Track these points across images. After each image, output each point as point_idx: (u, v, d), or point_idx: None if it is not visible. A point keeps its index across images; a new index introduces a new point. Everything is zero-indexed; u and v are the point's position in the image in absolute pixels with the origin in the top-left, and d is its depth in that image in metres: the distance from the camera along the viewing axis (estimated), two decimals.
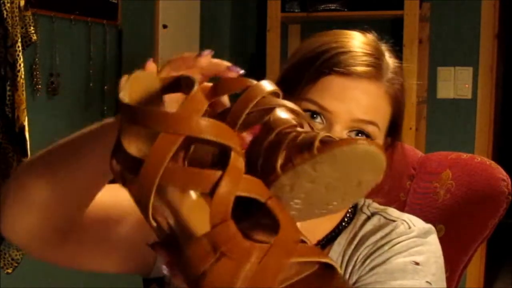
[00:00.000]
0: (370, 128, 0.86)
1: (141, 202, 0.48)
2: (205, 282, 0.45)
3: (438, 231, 0.94)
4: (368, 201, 0.99)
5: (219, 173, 0.47)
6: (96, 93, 2.57)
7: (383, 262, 0.86)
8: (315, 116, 0.85)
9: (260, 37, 3.43)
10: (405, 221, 0.92)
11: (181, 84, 0.56)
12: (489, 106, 3.16)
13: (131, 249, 0.85)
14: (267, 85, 0.55)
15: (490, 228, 1.12)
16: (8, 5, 1.95)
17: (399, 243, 0.88)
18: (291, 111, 0.58)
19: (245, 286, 0.45)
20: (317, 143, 0.53)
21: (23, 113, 2.01)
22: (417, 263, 0.85)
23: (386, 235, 0.90)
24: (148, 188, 0.46)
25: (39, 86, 2.23)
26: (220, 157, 0.49)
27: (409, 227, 0.90)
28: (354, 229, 0.94)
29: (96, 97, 2.56)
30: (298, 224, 0.52)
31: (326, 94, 0.84)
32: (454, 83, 3.21)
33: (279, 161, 0.54)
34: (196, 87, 0.49)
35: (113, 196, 0.82)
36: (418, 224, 0.91)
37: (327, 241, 0.93)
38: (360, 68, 0.85)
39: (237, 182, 0.47)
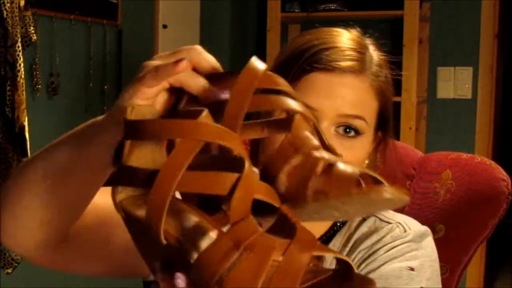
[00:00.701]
0: (357, 123, 0.85)
1: (153, 216, 0.47)
2: (229, 279, 0.45)
3: (438, 231, 0.94)
4: None
5: (236, 175, 0.47)
6: (96, 93, 2.57)
7: (378, 267, 0.86)
8: None
9: (260, 37, 3.43)
10: (400, 224, 0.91)
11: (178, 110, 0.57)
12: (489, 106, 3.16)
13: (128, 252, 0.84)
14: (259, 67, 0.54)
15: (490, 228, 1.12)
16: (8, 5, 1.96)
17: (394, 247, 0.87)
18: (305, 117, 0.58)
19: (270, 280, 0.45)
20: (355, 182, 0.53)
21: (23, 113, 2.01)
22: (411, 269, 0.85)
23: (381, 238, 0.90)
24: (162, 199, 0.46)
25: (39, 86, 2.24)
26: (222, 162, 0.50)
27: (405, 231, 0.90)
28: (349, 231, 0.94)
29: (96, 97, 2.56)
30: None
31: (311, 92, 0.84)
32: (454, 83, 3.21)
33: (310, 189, 0.54)
34: (205, 112, 0.50)
35: (108, 200, 0.82)
36: (413, 227, 0.91)
37: (322, 243, 0.93)
38: (343, 63, 0.85)
39: (254, 185, 0.48)
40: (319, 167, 0.54)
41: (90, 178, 0.70)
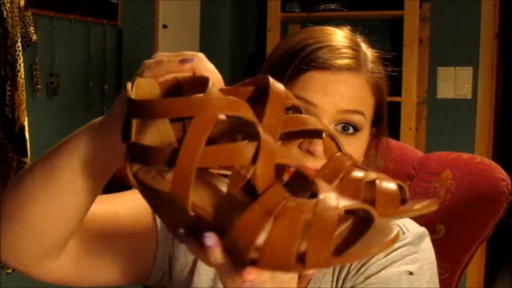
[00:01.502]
0: (356, 118, 0.86)
1: (180, 191, 0.48)
2: (266, 245, 0.46)
3: (438, 231, 0.93)
4: None
5: (255, 144, 0.48)
6: (96, 93, 2.57)
7: (378, 271, 0.85)
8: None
9: (260, 37, 3.43)
10: (398, 225, 0.91)
11: (181, 88, 0.58)
12: (489, 106, 3.16)
13: (128, 258, 0.84)
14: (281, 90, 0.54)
15: (490, 228, 1.12)
16: (8, 5, 1.96)
17: (394, 250, 0.87)
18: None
19: (307, 238, 0.46)
20: (399, 200, 0.55)
21: (23, 113, 2.01)
22: (411, 273, 0.85)
23: None
24: (187, 174, 0.47)
25: (39, 86, 2.24)
26: (236, 131, 0.51)
27: (403, 233, 0.89)
28: None
29: (96, 97, 2.56)
30: None
31: (309, 89, 0.85)
32: (454, 83, 3.21)
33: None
34: (211, 82, 0.51)
35: (105, 208, 0.82)
36: (411, 228, 0.91)
37: None
38: (339, 61, 0.86)
39: (274, 150, 0.49)
40: (362, 187, 0.54)
41: (85, 188, 0.69)
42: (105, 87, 2.61)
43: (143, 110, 0.52)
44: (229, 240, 0.48)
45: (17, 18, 2.00)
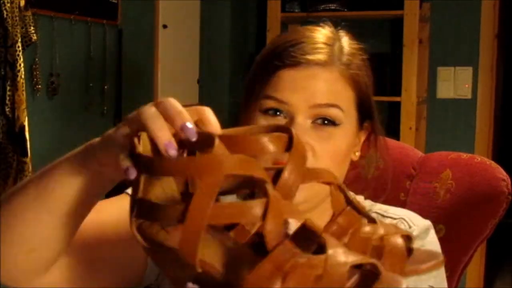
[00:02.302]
0: (332, 112, 0.86)
1: (188, 248, 0.48)
2: None
3: (438, 231, 0.94)
4: (360, 198, 0.98)
5: (263, 201, 0.49)
6: (96, 93, 2.57)
7: None
8: (278, 113, 0.87)
9: (260, 37, 3.43)
10: (404, 219, 0.92)
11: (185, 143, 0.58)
12: (489, 106, 3.16)
13: (118, 267, 0.84)
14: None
15: (490, 228, 1.12)
16: (8, 5, 1.96)
17: None
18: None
19: None
20: (406, 258, 0.55)
21: (23, 113, 2.01)
22: None
23: None
24: (197, 231, 0.48)
25: (39, 86, 2.24)
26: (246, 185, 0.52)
27: (410, 227, 0.90)
28: None
29: (96, 97, 2.56)
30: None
31: (281, 87, 0.86)
32: (454, 83, 3.21)
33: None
34: (217, 140, 0.52)
35: (93, 218, 0.81)
36: (416, 221, 0.92)
37: None
38: (308, 57, 0.86)
39: (282, 207, 0.49)
40: (370, 244, 0.55)
41: (76, 210, 0.70)
42: (105, 87, 2.61)
43: (151, 168, 0.53)
44: None
45: (17, 18, 2.00)
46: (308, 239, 0.50)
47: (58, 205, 0.69)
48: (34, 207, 0.70)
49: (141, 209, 0.54)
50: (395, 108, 3.07)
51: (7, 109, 1.99)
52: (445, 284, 0.90)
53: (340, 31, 0.95)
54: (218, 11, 3.34)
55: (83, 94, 2.51)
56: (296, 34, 0.91)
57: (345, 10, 3.13)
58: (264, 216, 0.49)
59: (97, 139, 0.67)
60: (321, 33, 0.91)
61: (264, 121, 0.87)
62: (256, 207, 0.49)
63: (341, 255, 0.48)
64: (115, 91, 2.67)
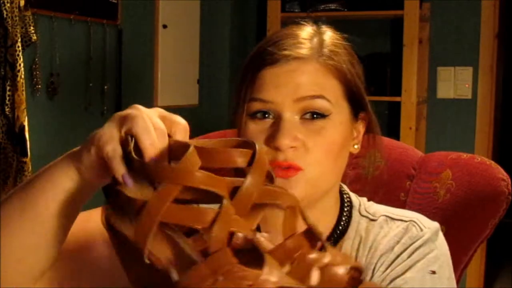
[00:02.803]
0: (318, 103, 0.86)
1: (140, 238, 0.54)
2: None
3: None
4: (363, 200, 0.98)
5: (216, 210, 0.55)
6: (96, 93, 2.57)
7: (403, 273, 0.86)
8: (266, 115, 0.87)
9: (260, 37, 3.43)
10: (415, 222, 0.91)
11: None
12: (489, 106, 3.16)
13: (107, 273, 0.84)
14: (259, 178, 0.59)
15: (490, 228, 1.12)
16: (8, 5, 1.96)
17: (416, 250, 0.88)
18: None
19: None
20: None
21: (23, 113, 2.01)
22: (433, 272, 0.86)
23: (400, 240, 0.89)
24: (149, 224, 0.54)
25: (39, 86, 2.24)
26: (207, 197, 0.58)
27: (421, 229, 0.90)
28: (357, 234, 0.93)
29: (96, 97, 2.56)
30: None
31: (263, 87, 0.86)
32: (454, 83, 3.21)
33: None
34: (191, 148, 0.58)
35: (81, 226, 0.81)
36: (427, 224, 0.91)
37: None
38: (286, 52, 0.87)
39: (230, 220, 0.55)
40: (311, 271, 0.57)
41: (61, 216, 0.72)
42: (105, 87, 2.61)
43: (135, 169, 0.60)
44: None
45: (17, 18, 2.00)
46: (253, 255, 0.54)
47: (40, 212, 0.71)
48: (19, 216, 0.72)
49: (115, 201, 0.60)
50: (395, 108, 3.07)
51: (7, 109, 1.99)
52: (454, 283, 0.90)
53: (323, 27, 0.95)
54: (218, 11, 3.34)
55: (83, 94, 2.51)
56: (276, 34, 0.92)
57: (345, 10, 3.13)
58: (212, 224, 0.54)
59: (78, 148, 0.70)
60: (301, 30, 0.92)
61: (253, 125, 0.87)
62: (208, 215, 0.54)
63: (274, 275, 0.52)
64: (115, 91, 2.67)
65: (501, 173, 1.13)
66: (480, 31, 3.14)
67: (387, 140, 1.16)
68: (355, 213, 0.95)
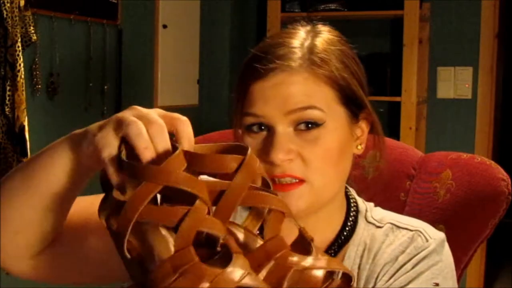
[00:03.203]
0: (310, 114, 0.85)
1: (120, 234, 0.58)
2: None
3: None
4: (369, 205, 0.98)
5: (184, 210, 0.57)
6: (96, 93, 2.57)
7: (406, 284, 0.86)
8: (262, 127, 0.87)
9: (260, 37, 3.43)
10: (420, 232, 0.90)
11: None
12: (489, 106, 3.16)
13: (105, 258, 0.85)
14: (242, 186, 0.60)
15: (490, 228, 1.12)
16: (8, 5, 1.96)
17: (420, 261, 0.87)
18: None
19: None
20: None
21: (23, 113, 2.01)
22: (437, 284, 0.86)
23: (405, 250, 0.89)
24: (127, 222, 0.57)
25: (39, 86, 2.24)
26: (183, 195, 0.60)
27: (426, 240, 0.89)
28: (362, 240, 0.92)
29: (96, 97, 2.56)
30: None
31: (254, 102, 0.86)
32: (454, 83, 3.21)
33: None
34: (179, 151, 0.60)
35: (81, 210, 0.84)
36: (432, 234, 0.90)
37: (333, 254, 0.92)
38: (272, 65, 0.85)
39: (200, 219, 0.57)
40: (289, 274, 0.59)
41: (61, 194, 0.74)
42: (105, 87, 2.61)
43: (127, 170, 0.63)
44: (146, 286, 0.57)
45: (17, 18, 2.00)
46: (227, 257, 0.57)
47: (40, 189, 0.74)
48: (19, 190, 0.75)
49: (110, 197, 0.64)
50: (395, 108, 3.07)
51: (7, 109, 1.99)
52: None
53: (319, 26, 0.93)
54: (218, 11, 3.34)
55: (83, 94, 2.51)
56: (264, 44, 0.90)
57: (345, 10, 3.13)
58: (179, 223, 0.57)
59: (80, 131, 0.73)
60: (291, 37, 0.90)
61: (249, 139, 0.87)
62: (177, 214, 0.57)
63: (235, 275, 0.54)
64: (115, 91, 2.67)
65: (501, 173, 1.13)
66: (480, 31, 3.14)
67: (387, 140, 1.16)
68: (361, 220, 0.95)
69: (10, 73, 1.99)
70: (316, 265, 0.59)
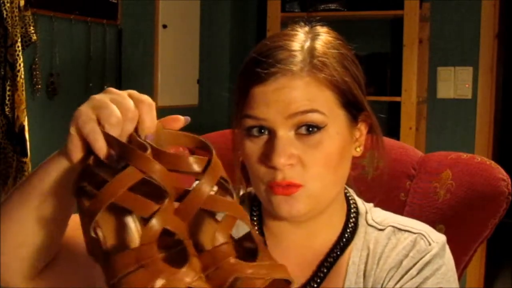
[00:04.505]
0: (311, 117, 0.85)
1: (92, 211, 0.60)
2: (123, 283, 0.57)
3: (438, 231, 0.93)
4: (369, 206, 0.98)
5: (157, 206, 0.60)
6: (96, 93, 2.55)
7: None
8: (262, 131, 0.86)
9: (260, 37, 3.43)
10: (423, 235, 0.90)
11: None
12: (489, 106, 3.16)
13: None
14: (208, 188, 0.63)
15: (490, 228, 1.12)
16: (8, 5, 1.96)
17: (425, 265, 0.87)
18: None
19: None
20: None
21: (23, 113, 2.01)
22: None
23: (408, 253, 0.89)
24: (104, 200, 0.59)
25: (39, 86, 2.24)
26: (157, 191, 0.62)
27: (429, 243, 0.89)
28: (365, 245, 0.92)
29: None
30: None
31: (255, 105, 0.86)
32: (454, 83, 3.21)
33: None
34: (148, 151, 0.62)
35: (78, 225, 0.83)
36: (435, 238, 0.90)
37: (336, 257, 0.92)
38: (273, 69, 0.85)
39: (168, 219, 0.60)
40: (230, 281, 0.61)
41: (56, 207, 0.75)
42: (105, 87, 2.60)
43: (116, 148, 0.65)
44: (103, 268, 0.61)
45: (17, 18, 2.00)
46: (179, 250, 0.61)
47: (36, 198, 0.74)
48: (18, 203, 0.75)
49: (86, 176, 0.67)
50: (395, 108, 3.07)
51: (7, 109, 1.99)
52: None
53: (317, 27, 0.93)
54: (218, 11, 3.34)
55: (83, 94, 2.51)
56: (264, 47, 0.89)
57: (345, 10, 3.13)
58: (150, 217, 0.60)
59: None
60: (291, 39, 0.89)
61: (249, 142, 0.87)
62: (151, 208, 0.60)
63: (189, 277, 0.58)
64: None
65: (501, 173, 1.13)
66: (480, 31, 3.14)
67: (387, 140, 1.16)
68: (361, 222, 0.94)
69: (10, 73, 1.99)
70: (258, 273, 0.61)
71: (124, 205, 0.60)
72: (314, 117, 0.85)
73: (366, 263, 0.91)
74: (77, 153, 0.69)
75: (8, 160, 2.01)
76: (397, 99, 3.04)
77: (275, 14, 3.21)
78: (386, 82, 3.12)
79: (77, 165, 0.70)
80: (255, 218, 0.97)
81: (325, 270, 0.91)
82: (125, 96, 0.69)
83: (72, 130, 0.69)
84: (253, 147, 0.87)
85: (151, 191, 0.62)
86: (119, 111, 0.67)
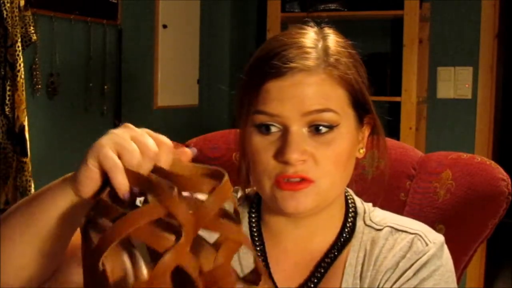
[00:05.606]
0: (325, 116, 0.85)
1: (103, 245, 0.59)
2: None
3: (438, 231, 0.93)
4: (368, 206, 0.98)
5: (172, 242, 0.59)
6: (96, 93, 2.57)
7: None
8: (273, 128, 0.86)
9: (260, 37, 3.43)
10: (420, 236, 0.90)
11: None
12: (489, 106, 3.16)
13: None
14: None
15: (490, 228, 1.12)
16: (8, 5, 1.96)
17: (422, 266, 0.87)
18: None
19: None
20: None
21: (23, 113, 2.01)
22: None
23: (405, 254, 0.89)
24: (123, 230, 0.58)
25: (39, 86, 2.24)
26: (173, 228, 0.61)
27: (426, 244, 0.89)
28: (362, 246, 0.92)
29: (96, 97, 2.56)
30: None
31: (269, 100, 0.85)
32: (454, 83, 3.21)
33: None
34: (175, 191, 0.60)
35: (76, 239, 0.83)
36: (432, 238, 0.90)
37: (334, 258, 0.92)
38: (291, 64, 0.85)
39: (181, 256, 0.59)
40: None
41: (60, 232, 0.73)
42: (105, 87, 2.61)
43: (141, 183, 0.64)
44: None
45: (17, 18, 1.99)
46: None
47: (40, 230, 0.72)
48: (20, 228, 0.73)
49: (100, 211, 0.65)
50: (395, 108, 3.07)
51: (7, 109, 1.99)
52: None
53: (325, 29, 0.93)
54: (218, 11, 3.34)
55: (83, 94, 2.51)
56: (277, 43, 0.89)
57: (345, 10, 3.13)
58: (165, 252, 0.58)
59: (71, 174, 0.71)
60: (305, 37, 0.89)
61: (259, 138, 0.87)
62: (165, 243, 0.58)
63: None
64: (115, 91, 2.67)
65: (501, 173, 1.13)
66: (480, 31, 3.14)
67: (387, 140, 1.16)
68: (359, 222, 0.95)
69: (10, 73, 1.99)
70: None
71: (140, 237, 0.59)
72: (328, 117, 0.85)
73: (362, 265, 0.91)
74: (89, 187, 0.67)
75: (8, 160, 2.01)
76: (397, 99, 3.04)
77: (275, 14, 3.20)
78: (386, 82, 3.12)
79: (86, 199, 0.68)
80: (253, 220, 0.97)
81: (322, 271, 0.91)
82: (145, 134, 0.68)
83: (91, 163, 0.66)
84: (263, 142, 0.87)
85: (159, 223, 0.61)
86: (140, 149, 0.66)
